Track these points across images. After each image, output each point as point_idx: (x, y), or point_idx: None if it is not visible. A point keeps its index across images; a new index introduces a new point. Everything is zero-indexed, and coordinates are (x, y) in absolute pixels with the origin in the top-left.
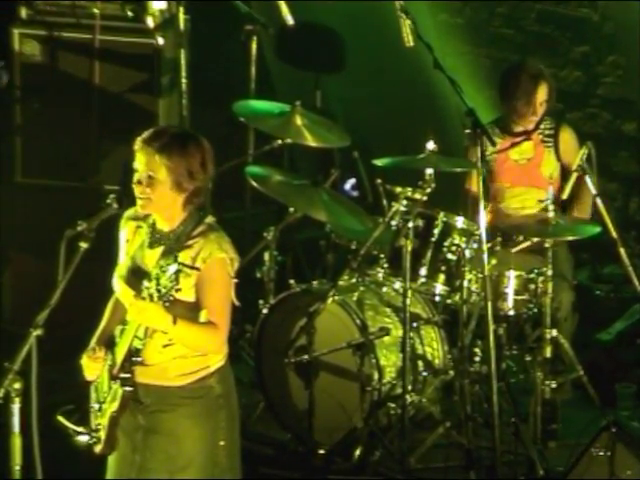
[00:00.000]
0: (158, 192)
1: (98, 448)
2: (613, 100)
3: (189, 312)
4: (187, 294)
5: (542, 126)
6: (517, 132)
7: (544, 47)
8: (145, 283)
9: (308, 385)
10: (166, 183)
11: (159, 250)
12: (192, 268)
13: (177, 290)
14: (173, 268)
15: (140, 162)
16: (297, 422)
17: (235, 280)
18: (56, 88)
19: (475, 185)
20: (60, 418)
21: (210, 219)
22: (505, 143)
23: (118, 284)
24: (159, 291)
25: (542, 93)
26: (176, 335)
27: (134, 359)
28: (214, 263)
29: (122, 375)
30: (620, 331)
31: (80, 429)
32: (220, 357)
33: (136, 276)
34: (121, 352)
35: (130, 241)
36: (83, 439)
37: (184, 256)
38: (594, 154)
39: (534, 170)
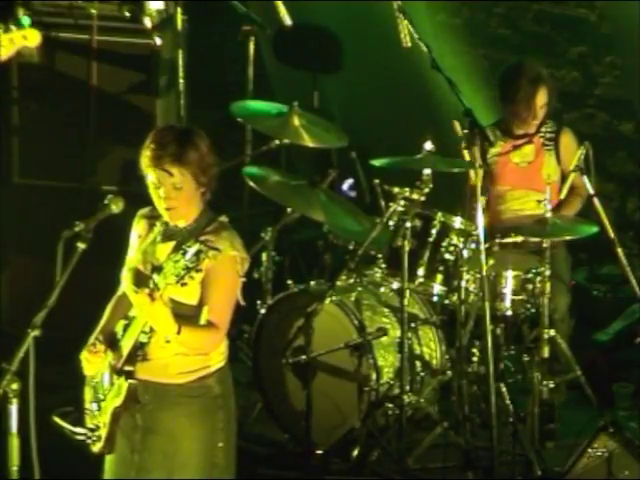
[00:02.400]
0: (185, 197)
1: (97, 447)
2: (610, 100)
3: (191, 316)
4: (192, 294)
5: (543, 129)
6: (518, 135)
7: (541, 47)
8: (154, 276)
9: (306, 385)
10: (191, 186)
11: (171, 245)
12: (213, 248)
13: (198, 271)
14: (194, 249)
15: (160, 180)
16: (295, 422)
17: (243, 280)
18: (54, 89)
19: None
20: (56, 419)
21: (223, 218)
22: (506, 146)
23: (128, 279)
24: (177, 273)
25: (542, 97)
26: (177, 341)
27: (138, 353)
28: (224, 260)
29: (127, 368)
30: (618, 331)
31: (77, 429)
32: (221, 358)
33: (146, 269)
34: (127, 346)
35: (142, 237)
36: (80, 439)
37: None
38: (591, 154)
39: (535, 173)
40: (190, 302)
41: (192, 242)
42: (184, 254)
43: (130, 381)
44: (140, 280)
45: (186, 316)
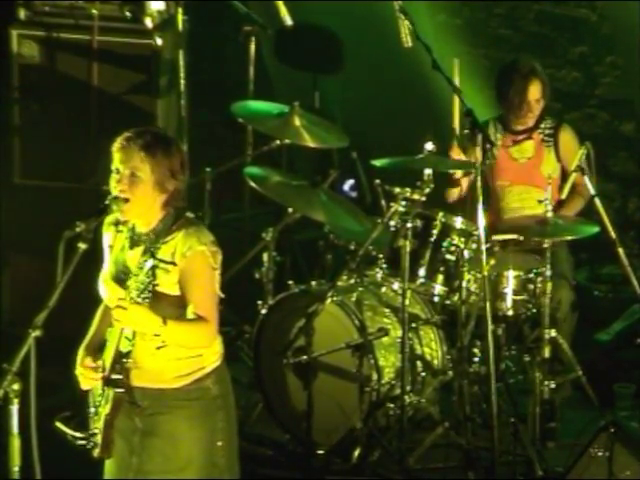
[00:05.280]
0: (140, 191)
1: (96, 452)
2: (611, 100)
3: (176, 308)
4: (171, 289)
5: (542, 125)
6: (518, 130)
7: (542, 47)
8: (128, 285)
9: (307, 386)
10: (149, 182)
11: (139, 250)
12: (168, 263)
13: (155, 285)
14: (149, 264)
15: (121, 161)
16: (296, 423)
17: (218, 272)
18: (54, 89)
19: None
20: (58, 424)
21: (188, 214)
22: (506, 140)
23: (106, 290)
24: (137, 288)
25: (535, 91)
26: (168, 335)
27: (125, 361)
28: (195, 257)
29: (113, 377)
30: (619, 331)
31: (78, 434)
32: (215, 357)
33: (120, 280)
34: (109, 354)
35: (112, 246)
36: (81, 444)
37: (164, 251)
38: (592, 154)
39: (534, 169)
40: (173, 293)
41: (148, 256)
42: (142, 268)
43: (116, 390)
44: (117, 292)
45: (174, 313)
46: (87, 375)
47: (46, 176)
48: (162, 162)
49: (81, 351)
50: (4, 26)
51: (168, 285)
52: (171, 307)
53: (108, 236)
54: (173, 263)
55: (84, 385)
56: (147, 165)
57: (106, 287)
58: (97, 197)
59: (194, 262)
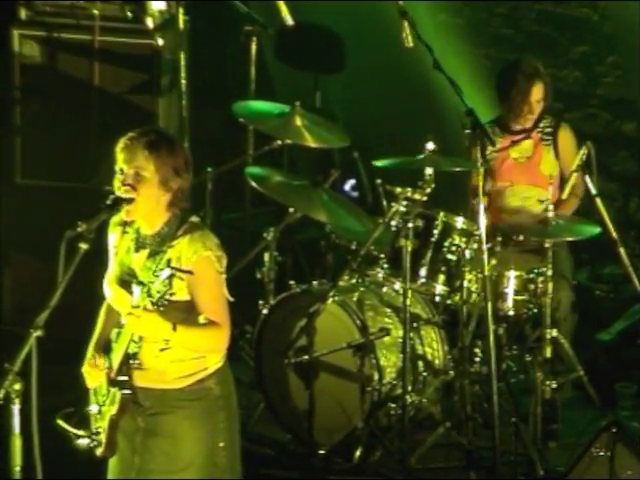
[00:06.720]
0: (144, 190)
1: (99, 451)
2: (613, 100)
3: (184, 312)
4: (181, 294)
5: (541, 124)
6: (517, 130)
7: (543, 47)
8: (134, 288)
9: (308, 386)
10: (153, 180)
11: (145, 253)
12: (185, 272)
13: (171, 294)
14: (166, 273)
15: (125, 161)
16: (297, 423)
17: (224, 276)
18: (56, 89)
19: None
20: (60, 422)
21: (194, 218)
22: (505, 142)
23: (111, 292)
24: (154, 296)
25: (537, 92)
26: (178, 340)
27: (131, 362)
28: (200, 262)
29: (120, 378)
30: (620, 331)
31: (80, 432)
32: (218, 358)
33: (126, 282)
34: (118, 356)
35: (117, 247)
36: (84, 442)
37: (170, 256)
38: (594, 154)
39: (534, 168)
40: (184, 298)
41: (164, 265)
42: (157, 277)
43: (123, 392)
44: (122, 294)
45: (185, 319)
46: (93, 374)
47: (47, 176)
48: (166, 160)
49: (90, 350)
50: (5, 26)
51: (179, 291)
52: (179, 312)
53: (114, 237)
54: (189, 272)
55: (90, 384)
56: (151, 164)
57: (111, 290)
58: (99, 197)
59: (200, 268)
